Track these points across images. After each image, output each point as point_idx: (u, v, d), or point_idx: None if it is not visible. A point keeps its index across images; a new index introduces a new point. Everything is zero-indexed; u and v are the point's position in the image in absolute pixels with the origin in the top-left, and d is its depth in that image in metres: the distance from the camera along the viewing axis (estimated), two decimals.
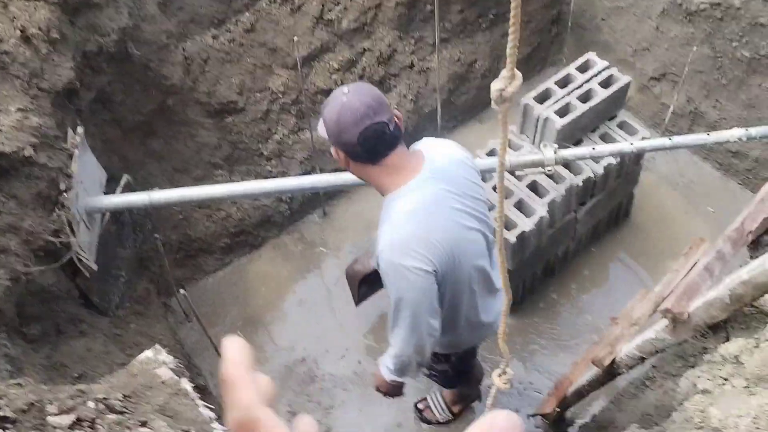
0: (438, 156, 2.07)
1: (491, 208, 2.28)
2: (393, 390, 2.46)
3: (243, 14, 3.50)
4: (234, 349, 0.46)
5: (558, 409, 2.87)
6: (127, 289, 3.32)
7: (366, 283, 3.28)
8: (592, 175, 3.27)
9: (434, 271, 1.96)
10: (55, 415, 1.62)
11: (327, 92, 3.65)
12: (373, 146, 1.94)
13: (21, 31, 2.46)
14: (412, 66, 4.02)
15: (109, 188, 3.03)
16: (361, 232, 4.04)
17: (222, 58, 3.48)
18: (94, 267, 2.80)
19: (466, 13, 3.98)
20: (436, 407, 3.28)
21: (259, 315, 3.73)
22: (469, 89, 4.29)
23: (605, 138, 3.40)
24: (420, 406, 3.33)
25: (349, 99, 1.91)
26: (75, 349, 2.71)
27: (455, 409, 3.27)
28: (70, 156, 2.66)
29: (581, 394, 2.81)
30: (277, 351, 3.58)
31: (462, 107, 4.34)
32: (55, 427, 1.58)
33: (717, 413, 1.42)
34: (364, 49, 3.83)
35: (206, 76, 3.48)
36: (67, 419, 1.61)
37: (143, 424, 1.70)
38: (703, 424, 1.47)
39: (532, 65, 4.55)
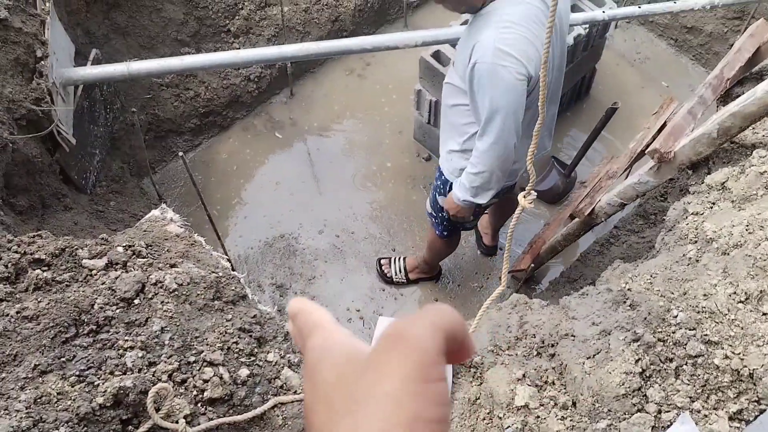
0: None
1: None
2: (462, 212, 2.50)
3: None
4: (297, 301, 0.55)
5: (533, 265, 3.08)
6: (102, 168, 3.28)
7: None
8: None
9: (528, 77, 2.01)
10: (89, 258, 1.66)
11: None
12: None
13: None
14: None
15: (77, 63, 2.93)
16: (328, 112, 4.06)
17: None
18: (73, 141, 2.76)
19: None
20: (395, 267, 3.47)
21: (234, 194, 3.75)
22: None
23: (574, 9, 3.45)
24: (383, 261, 3.51)
25: None
26: (62, 221, 2.71)
27: (412, 275, 3.47)
28: (42, 23, 2.55)
29: (555, 249, 3.01)
30: (255, 228, 3.64)
31: None
32: (90, 269, 1.63)
33: (711, 226, 1.59)
34: None
35: None
36: (100, 262, 1.66)
37: (173, 265, 1.76)
38: (697, 238, 1.64)
39: None
